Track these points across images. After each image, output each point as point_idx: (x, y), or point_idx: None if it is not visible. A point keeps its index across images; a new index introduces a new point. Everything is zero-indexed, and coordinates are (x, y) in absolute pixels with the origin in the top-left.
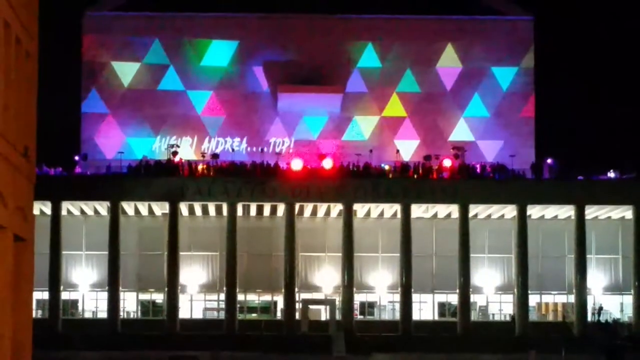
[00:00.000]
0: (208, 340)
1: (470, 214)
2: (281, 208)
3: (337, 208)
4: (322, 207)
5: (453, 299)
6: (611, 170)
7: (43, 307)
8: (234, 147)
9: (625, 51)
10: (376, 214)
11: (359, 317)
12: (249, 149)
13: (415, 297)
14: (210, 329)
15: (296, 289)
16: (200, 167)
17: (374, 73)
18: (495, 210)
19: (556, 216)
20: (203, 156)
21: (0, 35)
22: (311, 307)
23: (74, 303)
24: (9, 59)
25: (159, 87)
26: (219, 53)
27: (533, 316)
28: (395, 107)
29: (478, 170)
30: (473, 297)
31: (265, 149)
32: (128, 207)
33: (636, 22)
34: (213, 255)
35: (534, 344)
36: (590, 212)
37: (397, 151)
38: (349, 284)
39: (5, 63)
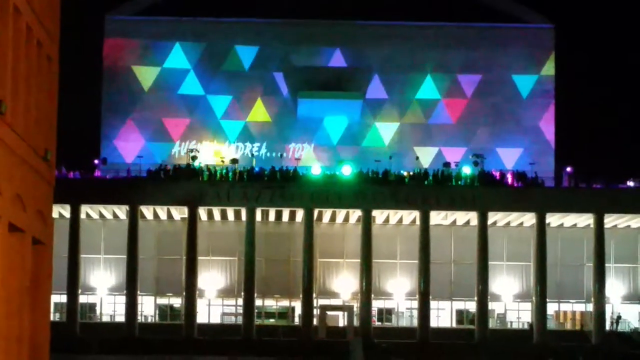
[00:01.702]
0: (225, 346)
1: (489, 222)
2: (300, 213)
3: (355, 214)
4: (340, 213)
5: (471, 306)
6: (631, 179)
7: (61, 310)
8: (253, 152)
9: None
10: (395, 221)
11: (377, 323)
12: (268, 154)
13: (433, 304)
14: (227, 334)
15: (314, 295)
16: (219, 171)
17: (394, 79)
18: (514, 218)
19: (575, 224)
20: (222, 161)
21: (21, 38)
22: (329, 313)
23: (92, 306)
24: (31, 62)
25: (179, 91)
26: (239, 58)
27: (551, 325)
28: (414, 114)
29: (497, 177)
30: (491, 305)
31: (285, 154)
32: (147, 211)
33: None
34: (231, 260)
35: (551, 352)
36: (610, 220)
37: (417, 158)
38: (367, 291)
39: (26, 66)
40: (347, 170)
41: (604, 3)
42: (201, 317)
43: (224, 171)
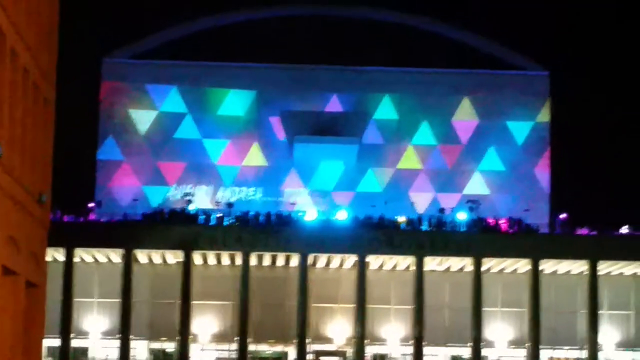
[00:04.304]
0: None
1: (484, 268)
2: (295, 258)
3: (351, 259)
4: (335, 258)
5: (465, 352)
6: (625, 226)
7: (53, 354)
8: (249, 196)
9: None
10: (390, 266)
11: None
12: (264, 198)
13: (427, 349)
14: None
15: (308, 340)
16: (214, 216)
17: (390, 125)
18: (509, 264)
19: (569, 271)
20: (218, 206)
21: (18, 80)
22: (323, 358)
23: (84, 351)
24: (27, 104)
25: (175, 135)
26: (236, 102)
27: None
28: (410, 160)
29: (492, 223)
30: (485, 351)
31: (281, 199)
32: (141, 255)
33: None
34: (225, 304)
35: None
36: (603, 267)
37: (412, 203)
38: (361, 336)
39: (22, 109)
40: (342, 215)
41: (599, 50)
42: None
43: (220, 215)
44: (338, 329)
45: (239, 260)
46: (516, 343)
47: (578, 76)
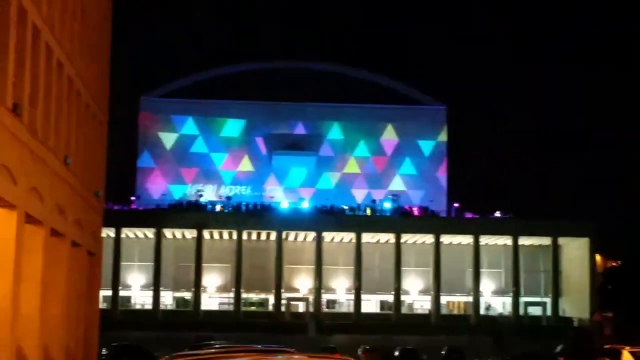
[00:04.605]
0: (221, 325)
1: (402, 240)
2: (273, 234)
3: (311, 235)
4: (301, 234)
5: (389, 298)
6: (497, 212)
7: (107, 301)
8: (241, 192)
9: (516, 128)
10: (338, 240)
11: (325, 309)
12: (252, 193)
13: (364, 296)
14: (223, 317)
15: (282, 290)
16: (218, 206)
17: (338, 143)
18: (419, 238)
19: (460, 242)
20: (220, 198)
21: (82, 111)
22: (292, 302)
23: (128, 298)
24: (87, 129)
25: (191, 150)
26: (232, 127)
27: (444, 310)
28: (352, 167)
29: (408, 209)
30: (403, 297)
31: (264, 194)
32: (167, 232)
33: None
34: (225, 266)
35: (444, 329)
36: (483, 239)
37: (354, 197)
38: (319, 287)
39: (84, 132)
40: (305, 205)
41: (481, 93)
42: (204, 306)
43: (222, 205)
44: (303, 282)
45: (234, 236)
46: (424, 291)
47: (465, 110)
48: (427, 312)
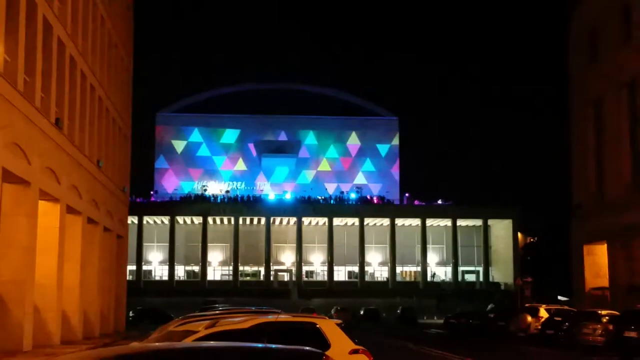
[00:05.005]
0: (223, 291)
1: (365, 223)
2: (263, 219)
3: (293, 219)
4: (285, 219)
5: (355, 268)
6: (439, 200)
7: (133, 274)
8: (238, 187)
9: (454, 134)
10: (314, 223)
11: (305, 279)
12: (245, 187)
13: (335, 268)
14: (224, 285)
15: (271, 264)
16: (219, 198)
17: (313, 147)
18: (378, 221)
19: (411, 224)
20: (221, 192)
21: (110, 126)
22: (279, 273)
23: (150, 272)
24: (115, 139)
25: (197, 154)
26: (229, 136)
27: (398, 278)
28: (325, 166)
29: (369, 199)
30: (366, 268)
31: (255, 188)
32: (179, 219)
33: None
34: (226, 245)
35: (398, 293)
36: (429, 221)
37: (326, 189)
38: (299, 261)
39: (113, 141)
40: (288, 196)
41: (427, 104)
42: (210, 277)
43: (222, 197)
44: (287, 257)
45: (232, 221)
46: (383, 263)
47: (413, 119)
48: (385, 279)
